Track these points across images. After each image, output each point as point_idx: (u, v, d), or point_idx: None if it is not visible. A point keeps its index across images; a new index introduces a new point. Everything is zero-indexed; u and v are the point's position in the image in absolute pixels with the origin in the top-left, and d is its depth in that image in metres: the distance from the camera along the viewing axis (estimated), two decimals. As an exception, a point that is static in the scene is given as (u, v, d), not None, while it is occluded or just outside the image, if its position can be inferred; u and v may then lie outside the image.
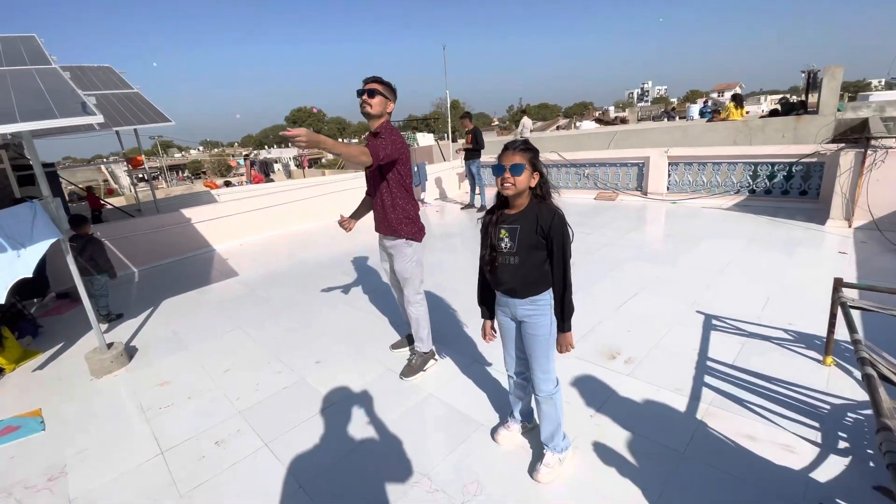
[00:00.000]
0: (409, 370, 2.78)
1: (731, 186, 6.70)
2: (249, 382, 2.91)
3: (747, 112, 11.20)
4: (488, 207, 1.91)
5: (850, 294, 2.37)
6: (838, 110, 8.50)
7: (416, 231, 2.68)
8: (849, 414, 2.11)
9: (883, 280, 3.56)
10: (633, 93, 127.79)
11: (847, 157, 4.90)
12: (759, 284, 3.65)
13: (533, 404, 2.07)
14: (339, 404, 2.57)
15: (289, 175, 17.72)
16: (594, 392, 2.43)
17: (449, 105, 11.48)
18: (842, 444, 1.92)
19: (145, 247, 6.10)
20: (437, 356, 2.92)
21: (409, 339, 3.08)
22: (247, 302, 4.38)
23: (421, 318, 2.80)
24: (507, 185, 1.66)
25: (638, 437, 2.07)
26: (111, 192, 17.14)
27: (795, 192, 6.16)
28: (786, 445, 1.95)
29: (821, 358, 2.54)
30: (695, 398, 2.31)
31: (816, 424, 2.05)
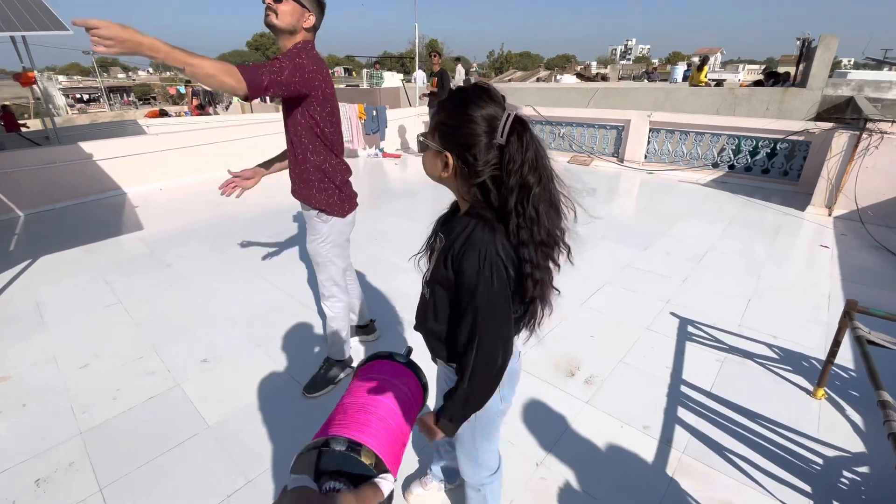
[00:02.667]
0: (314, 384, 2.17)
1: (711, 160, 6.23)
2: (108, 387, 2.23)
3: (712, 80, 10.70)
4: None
5: (874, 326, 1.91)
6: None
7: (334, 202, 1.96)
8: (844, 474, 1.71)
9: (866, 282, 3.22)
10: (616, 49, 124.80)
11: (840, 140, 4.46)
12: (740, 281, 3.22)
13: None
14: (215, 430, 1.96)
15: (232, 109, 15.76)
16: (545, 426, 1.93)
17: (418, 41, 10.23)
18: (843, 525, 1.52)
19: (34, 185, 5.03)
20: (353, 365, 2.33)
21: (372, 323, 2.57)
22: (142, 267, 3.59)
23: (336, 320, 2.16)
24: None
25: (592, 499, 1.60)
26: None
27: (776, 171, 5.76)
28: (776, 523, 1.52)
29: (811, 388, 2.14)
30: (665, 442, 1.85)
31: (808, 489, 1.64)
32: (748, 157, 5.94)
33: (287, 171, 2.08)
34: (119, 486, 1.70)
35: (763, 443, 1.85)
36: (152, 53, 1.28)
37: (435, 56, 7.34)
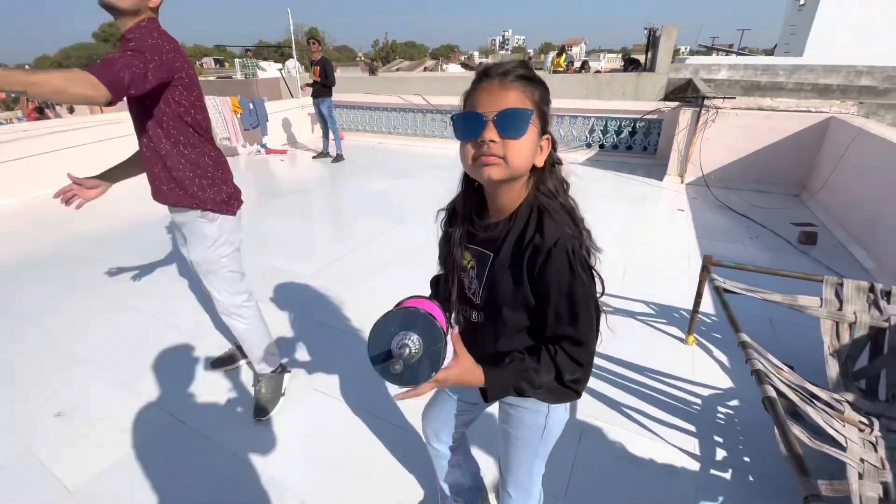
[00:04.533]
0: (261, 407, 1.92)
1: (584, 140, 6.81)
2: (-89, 476, 1.71)
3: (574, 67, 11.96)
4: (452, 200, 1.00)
5: (726, 276, 2.20)
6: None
7: (221, 198, 1.70)
8: (719, 409, 1.96)
9: (718, 238, 3.76)
10: (495, 40, 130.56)
11: (685, 116, 5.14)
12: (617, 250, 3.54)
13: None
14: (78, 495, 1.61)
15: (72, 110, 13.22)
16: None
17: (292, 28, 9.54)
18: (720, 454, 1.73)
19: None
20: (288, 368, 2.13)
21: (240, 350, 2.20)
22: (-45, 311, 2.83)
23: (251, 331, 1.92)
24: (493, 159, 0.76)
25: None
26: None
27: (638, 147, 6.49)
28: (667, 466, 1.68)
29: (683, 336, 2.42)
30: (570, 409, 1.95)
31: (693, 428, 1.85)
32: (614, 136, 6.60)
33: (141, 175, 1.75)
34: None
35: (650, 393, 2.04)
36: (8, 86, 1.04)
37: (314, 44, 6.89)
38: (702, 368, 2.20)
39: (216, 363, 2.22)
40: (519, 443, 1.03)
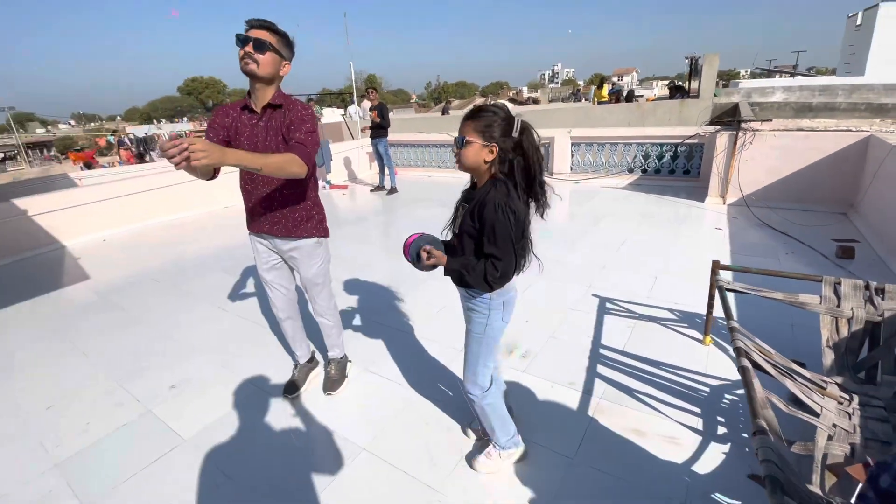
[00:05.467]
0: (332, 383, 2.38)
1: (626, 166, 7.02)
2: (77, 422, 2.32)
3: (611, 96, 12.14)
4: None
5: (725, 276, 2.42)
6: (714, 96, 9.32)
7: (324, 226, 2.20)
8: (725, 396, 2.15)
9: (753, 253, 3.86)
10: (544, 74, 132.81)
11: (722, 139, 5.28)
12: (650, 264, 3.76)
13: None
14: (193, 441, 2.12)
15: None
16: None
17: (353, 77, 10.70)
18: (720, 430, 1.93)
19: (-38, 248, 4.84)
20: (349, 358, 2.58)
21: (309, 364, 2.52)
22: (94, 314, 3.61)
23: (335, 327, 2.41)
24: (458, 159, 1.45)
25: (532, 445, 1.92)
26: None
27: (680, 171, 6.61)
28: (670, 438, 1.92)
29: (701, 337, 2.61)
30: (587, 392, 2.22)
31: (698, 410, 2.06)
32: (656, 161, 6.77)
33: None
34: (107, 500, 1.83)
35: (663, 382, 2.27)
36: (235, 162, 1.50)
37: (372, 92, 7.79)
38: (715, 364, 2.39)
39: (290, 389, 2.39)
40: (471, 336, 1.64)
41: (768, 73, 29.50)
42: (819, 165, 4.78)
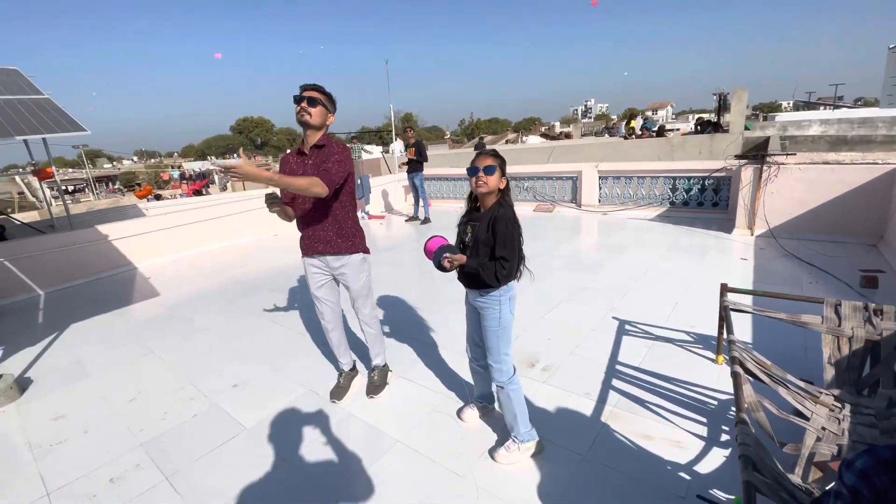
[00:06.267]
0: (375, 388, 2.70)
1: (655, 199, 7.18)
2: (156, 412, 2.72)
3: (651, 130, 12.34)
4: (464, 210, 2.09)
5: (735, 297, 2.59)
6: (746, 129, 9.40)
7: (365, 243, 2.61)
8: (732, 408, 2.29)
9: (775, 282, 3.94)
10: (577, 109, 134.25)
11: (747, 172, 5.41)
12: (671, 290, 3.92)
13: (493, 389, 2.22)
14: (253, 430, 2.46)
15: (224, 189, 16.79)
16: None
17: (393, 117, 11.52)
18: (724, 437, 2.09)
19: (52, 267, 5.58)
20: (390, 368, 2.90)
21: (351, 372, 2.83)
22: (165, 324, 4.11)
23: (378, 335, 2.76)
24: (481, 183, 1.85)
25: (548, 444, 2.14)
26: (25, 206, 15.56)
27: (709, 203, 6.71)
28: (676, 442, 2.09)
29: (714, 357, 2.76)
30: (601, 401, 2.42)
31: (704, 420, 2.22)
32: (684, 193, 6.91)
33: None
34: (181, 474, 2.18)
35: (674, 395, 2.44)
36: (266, 180, 1.87)
37: (410, 131, 8.43)
38: (725, 381, 2.53)
39: (337, 392, 2.70)
40: (489, 331, 1.99)
41: (809, 106, 28.99)
42: (846, 197, 4.83)
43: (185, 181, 15.86)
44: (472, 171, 1.86)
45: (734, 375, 1.79)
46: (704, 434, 2.12)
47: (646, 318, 3.39)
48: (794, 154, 5.21)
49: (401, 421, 2.44)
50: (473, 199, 2.00)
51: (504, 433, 2.15)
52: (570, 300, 3.89)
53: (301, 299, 4.41)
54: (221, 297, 4.73)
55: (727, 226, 5.90)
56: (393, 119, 12.83)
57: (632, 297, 3.86)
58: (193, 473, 2.17)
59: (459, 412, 2.40)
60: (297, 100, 2.24)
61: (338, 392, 2.69)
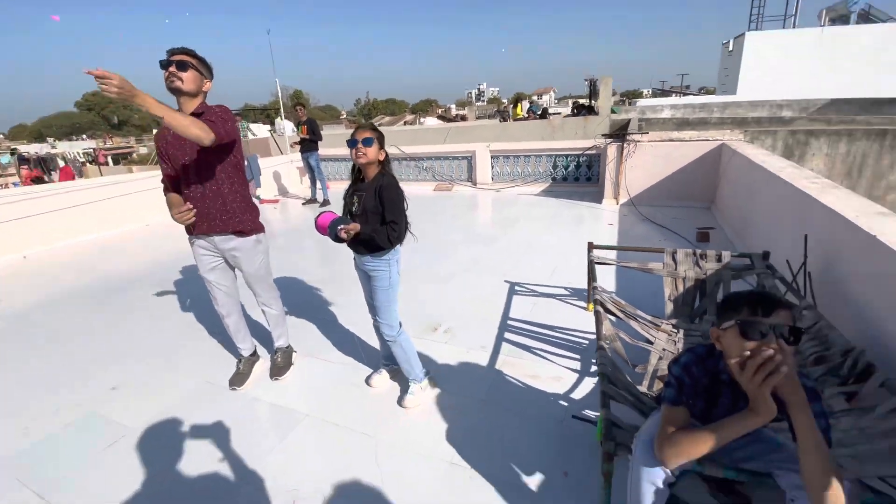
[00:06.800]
0: (279, 369, 2.63)
1: (540, 175, 7.86)
2: (11, 430, 2.36)
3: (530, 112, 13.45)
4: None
5: (599, 253, 3.05)
6: (613, 112, 10.63)
7: (258, 222, 2.46)
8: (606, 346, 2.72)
9: (635, 241, 4.64)
10: (471, 92, 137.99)
11: (612, 149, 6.20)
12: (553, 255, 4.40)
13: None
14: (138, 430, 2.27)
15: (79, 174, 14.25)
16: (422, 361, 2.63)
17: (280, 93, 10.79)
18: (593, 369, 2.49)
19: None
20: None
21: (252, 357, 2.73)
22: (10, 337, 3.51)
23: (280, 316, 2.68)
24: (360, 154, 1.94)
25: (452, 394, 2.35)
26: None
27: (583, 178, 7.54)
28: (557, 377, 2.44)
29: (585, 305, 3.22)
30: (496, 352, 2.71)
31: (578, 357, 2.61)
32: (563, 170, 7.67)
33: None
34: (57, 488, 1.96)
35: (555, 340, 2.82)
36: (144, 103, 1.68)
37: (300, 108, 8.00)
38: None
39: (236, 379, 2.59)
40: (381, 291, 2.13)
41: (664, 93, 33.64)
42: (688, 169, 5.82)
43: (25, 165, 13.04)
44: (352, 142, 1.95)
45: (596, 314, 2.15)
46: (578, 368, 2.50)
47: (533, 280, 3.79)
48: (648, 133, 6.10)
49: (308, 397, 2.45)
50: (357, 172, 2.11)
51: (407, 385, 2.32)
52: (468, 271, 4.16)
53: (191, 290, 4.07)
54: (89, 298, 4.14)
55: (598, 197, 6.71)
56: (280, 95, 12.00)
57: (521, 263, 4.26)
58: (71, 485, 1.96)
59: (368, 379, 2.50)
60: (164, 65, 2.01)
61: (238, 379, 2.59)
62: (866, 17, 18.60)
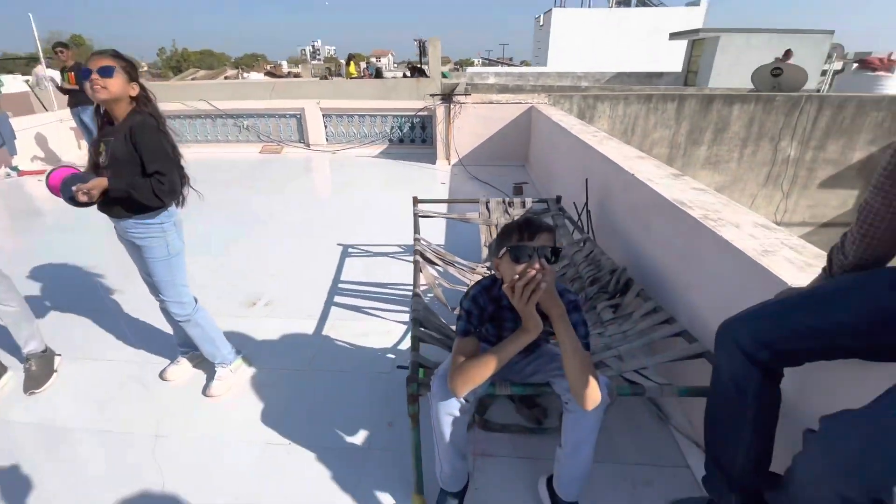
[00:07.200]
0: (34, 381, 2.02)
1: (377, 136, 7.68)
2: None
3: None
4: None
5: (424, 206, 3.10)
6: (444, 76, 10.94)
7: None
8: (428, 296, 2.80)
9: (460, 196, 4.90)
10: (305, 50, 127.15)
11: (440, 110, 6.37)
12: (387, 215, 4.36)
13: None
14: None
15: None
16: (235, 342, 2.29)
17: (36, 33, 8.14)
18: (420, 319, 2.55)
19: None
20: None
21: None
22: None
23: (25, 309, 2.06)
24: (98, 87, 1.49)
25: (270, 370, 2.14)
26: None
27: (418, 140, 7.64)
28: (387, 332, 2.43)
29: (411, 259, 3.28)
30: (323, 318, 2.56)
31: (406, 309, 2.64)
32: (399, 131, 7.64)
33: None
34: None
35: (386, 296, 2.80)
36: None
37: (63, 51, 6.12)
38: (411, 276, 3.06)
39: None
40: (157, 264, 1.74)
41: (492, 62, 36.35)
42: (505, 130, 6.33)
43: None
44: (84, 73, 1.49)
45: (415, 264, 2.16)
46: (406, 320, 2.53)
47: (367, 241, 3.69)
48: (471, 95, 6.41)
49: (81, 408, 1.96)
50: (103, 115, 1.66)
51: (213, 371, 2.03)
52: (297, 237, 3.85)
53: None
54: None
55: (432, 158, 6.89)
56: (37, 36, 9.07)
57: (356, 226, 4.11)
58: None
59: (163, 373, 2.11)
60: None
61: None
62: (643, 1, 22.70)
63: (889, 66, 9.07)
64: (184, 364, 2.14)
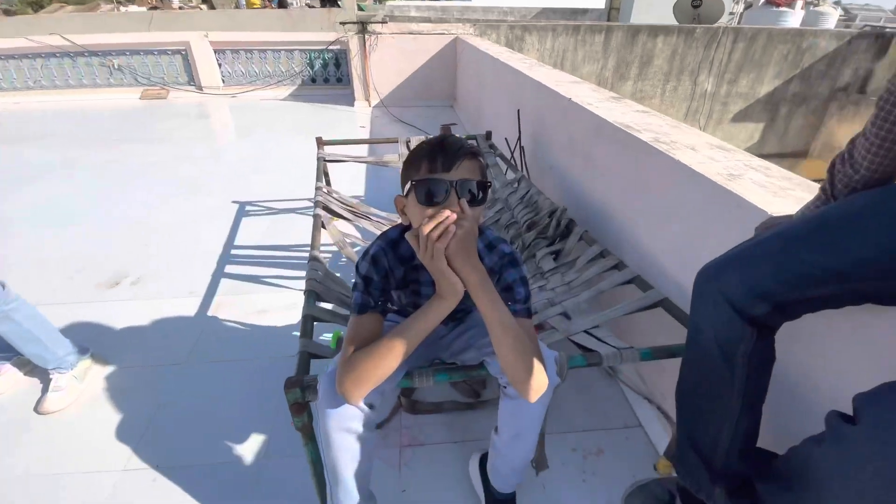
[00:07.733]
0: None
1: (284, 76, 6.69)
2: None
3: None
4: None
5: (330, 149, 2.59)
6: (360, 9, 9.79)
7: None
8: (340, 260, 2.37)
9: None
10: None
11: (354, 42, 5.60)
12: (296, 165, 3.75)
13: None
14: None
15: None
16: (85, 338, 1.76)
17: None
18: (333, 285, 2.13)
19: None
20: None
21: None
22: None
23: None
24: None
25: (133, 369, 1.65)
26: None
27: (333, 80, 6.77)
28: (291, 304, 1.99)
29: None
30: (209, 295, 2.06)
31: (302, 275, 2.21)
32: (310, 69, 6.70)
33: None
34: None
35: (293, 261, 2.34)
36: None
37: None
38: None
39: None
40: None
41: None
42: (430, 66, 5.73)
43: None
44: None
45: (314, 219, 1.72)
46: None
47: (270, 197, 3.12)
48: (387, 23, 5.67)
49: None
50: None
51: (48, 379, 1.51)
52: (183, 195, 3.16)
53: None
54: None
55: (350, 100, 6.15)
56: None
57: (256, 179, 3.48)
58: None
59: None
60: None
61: None
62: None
63: (790, 1, 9.57)
64: (8, 372, 1.58)
